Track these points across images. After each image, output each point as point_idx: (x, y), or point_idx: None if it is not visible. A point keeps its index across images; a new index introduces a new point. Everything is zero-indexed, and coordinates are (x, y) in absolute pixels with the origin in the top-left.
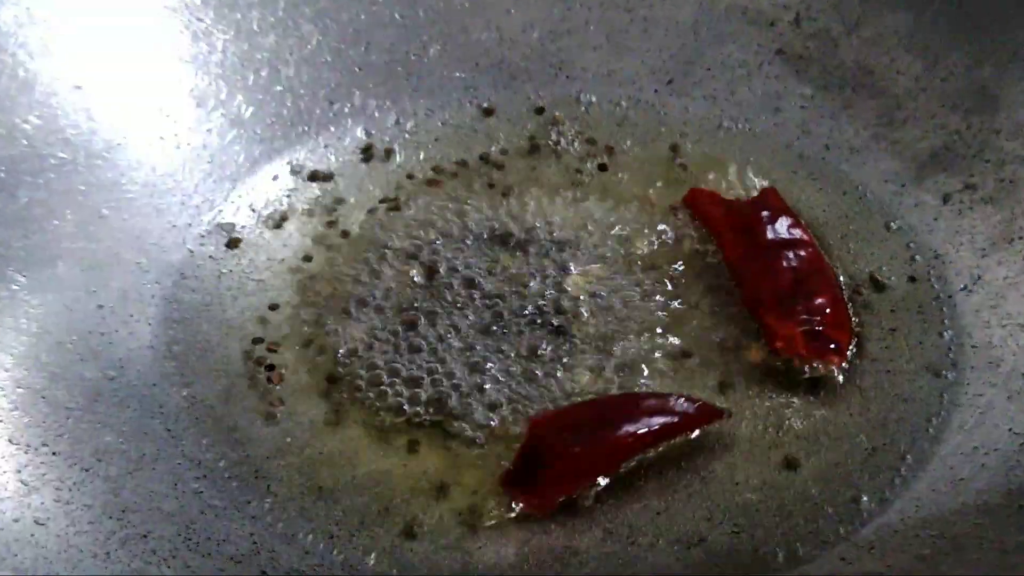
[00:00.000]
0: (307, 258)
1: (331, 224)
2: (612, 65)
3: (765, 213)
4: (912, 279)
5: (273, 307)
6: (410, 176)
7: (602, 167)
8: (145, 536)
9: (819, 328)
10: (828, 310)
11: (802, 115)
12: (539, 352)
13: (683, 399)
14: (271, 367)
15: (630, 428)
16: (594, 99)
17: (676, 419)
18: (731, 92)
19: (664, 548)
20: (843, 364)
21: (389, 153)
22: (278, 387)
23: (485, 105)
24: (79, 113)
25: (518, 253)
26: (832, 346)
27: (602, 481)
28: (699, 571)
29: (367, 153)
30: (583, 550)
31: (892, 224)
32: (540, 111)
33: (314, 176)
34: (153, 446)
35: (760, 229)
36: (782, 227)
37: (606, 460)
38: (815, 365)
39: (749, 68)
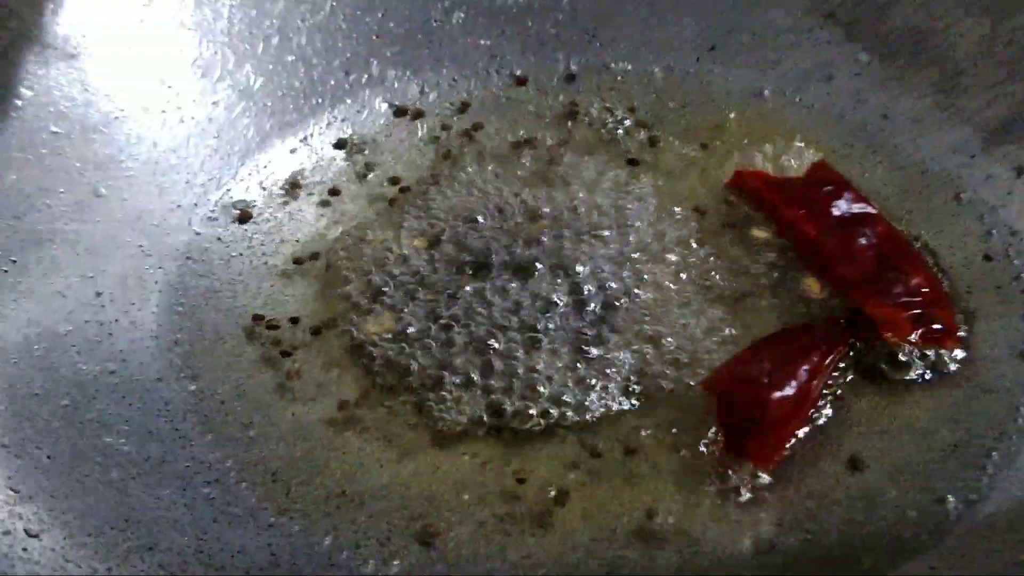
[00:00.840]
0: (324, 239)
1: (351, 202)
2: (649, 32)
3: (827, 188)
4: (988, 258)
5: (288, 293)
6: (442, 151)
7: (652, 141)
8: (151, 548)
9: (922, 311)
10: (925, 289)
11: (855, 84)
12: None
13: (818, 330)
14: (286, 353)
15: (804, 364)
16: (630, 67)
17: (825, 347)
18: (777, 60)
19: (731, 557)
20: (958, 347)
21: (416, 120)
22: (296, 381)
23: (518, 73)
24: (73, 84)
25: (555, 239)
26: (941, 328)
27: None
28: None
29: (391, 122)
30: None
31: (962, 198)
32: (571, 78)
33: (341, 144)
34: (158, 447)
35: (825, 207)
36: (847, 203)
37: (801, 402)
38: (928, 352)
39: (796, 34)
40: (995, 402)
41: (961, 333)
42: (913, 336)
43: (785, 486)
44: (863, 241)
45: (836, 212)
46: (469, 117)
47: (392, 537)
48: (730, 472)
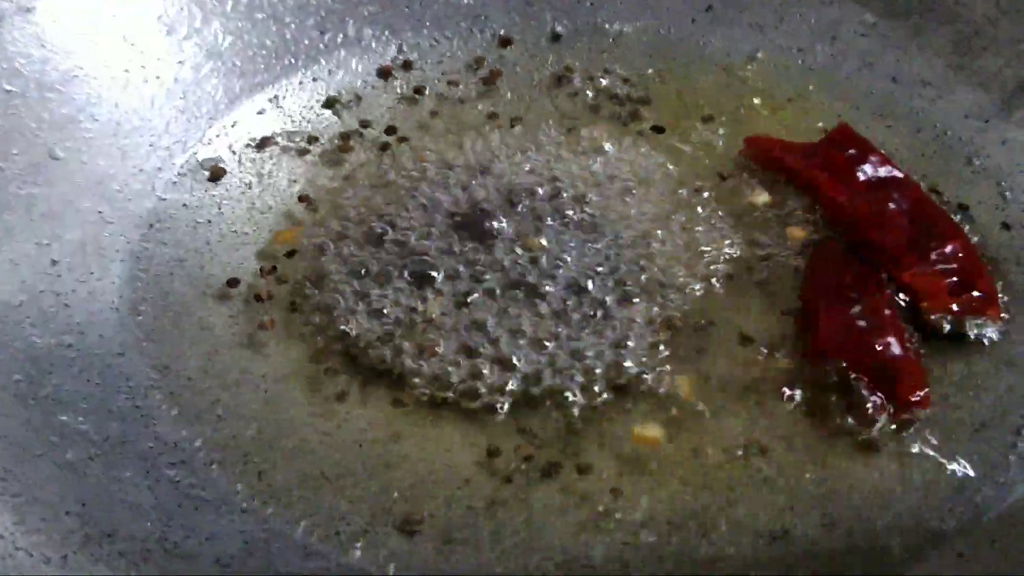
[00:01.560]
0: (299, 203)
1: (327, 165)
2: None
3: (851, 152)
4: (1006, 226)
5: (260, 263)
6: (423, 111)
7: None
8: (111, 535)
9: (960, 278)
10: (961, 255)
11: (863, 45)
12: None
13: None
14: (259, 298)
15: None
16: (625, 29)
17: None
18: (780, 19)
19: (743, 542)
20: (1000, 316)
21: (389, 78)
22: (270, 347)
23: (502, 33)
24: (29, 40)
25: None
26: (981, 296)
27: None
28: (790, 570)
29: (370, 81)
30: (644, 544)
31: (976, 164)
32: (557, 38)
33: (329, 103)
34: (119, 426)
35: (851, 171)
36: (873, 166)
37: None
38: (970, 322)
39: None
40: (1022, 379)
41: (1003, 299)
42: (954, 306)
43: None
44: (893, 206)
45: (862, 176)
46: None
47: (375, 524)
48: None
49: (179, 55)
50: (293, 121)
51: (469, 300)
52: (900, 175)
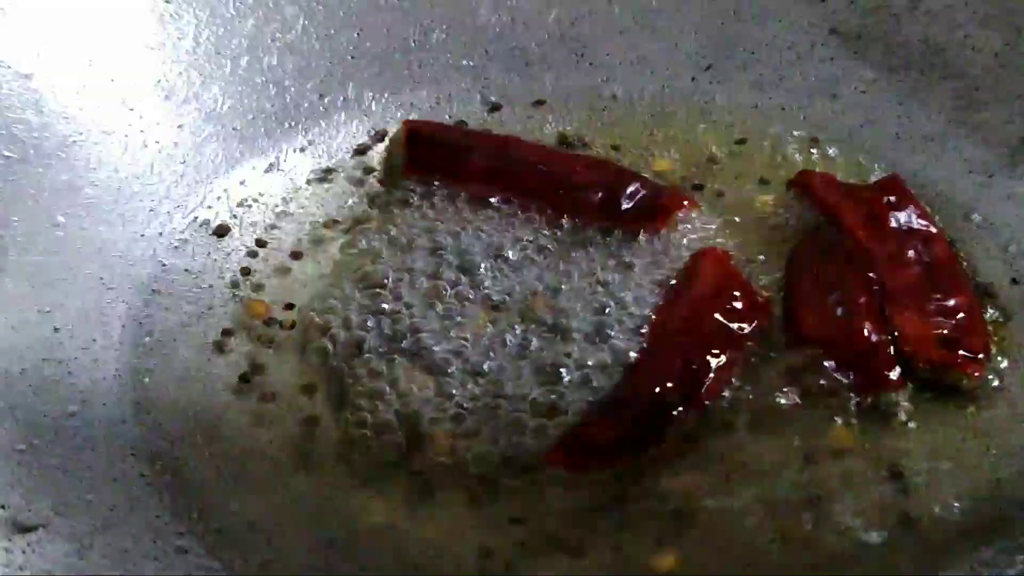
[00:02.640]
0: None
1: (328, 226)
2: (641, 50)
3: (890, 199)
4: (1015, 281)
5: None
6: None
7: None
8: None
9: (954, 333)
10: (962, 314)
11: (864, 101)
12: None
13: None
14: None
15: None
16: (621, 91)
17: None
18: (780, 78)
19: None
20: (980, 374)
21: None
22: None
23: (492, 99)
24: (28, 106)
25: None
26: (968, 355)
27: None
28: None
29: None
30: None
31: (980, 219)
32: (540, 103)
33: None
34: (125, 496)
35: (884, 216)
36: (909, 216)
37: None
38: (949, 374)
39: (799, 50)
40: None
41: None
42: (936, 357)
43: None
44: (912, 255)
45: (894, 223)
46: None
47: None
48: None
49: (178, 119)
50: (295, 187)
51: None
52: (933, 230)
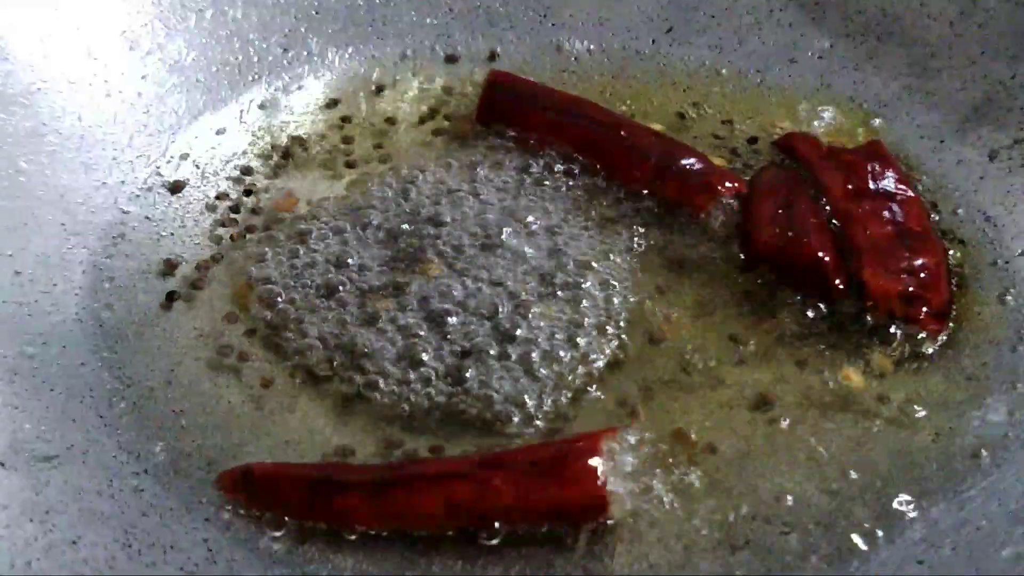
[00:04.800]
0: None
1: (284, 174)
2: (604, 12)
3: (873, 165)
4: (962, 242)
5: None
6: (389, 125)
7: None
8: (74, 542)
9: (917, 291)
10: (925, 273)
11: (820, 66)
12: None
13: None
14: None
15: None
16: (588, 46)
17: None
18: (739, 42)
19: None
20: (941, 333)
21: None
22: (232, 359)
23: (449, 52)
24: None
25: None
26: (929, 311)
27: None
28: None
29: (333, 103)
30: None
31: (929, 183)
32: (492, 57)
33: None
34: (82, 435)
35: (863, 177)
36: (889, 180)
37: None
38: (909, 331)
39: (758, 15)
40: (979, 389)
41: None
42: (897, 311)
43: None
44: (886, 214)
45: (872, 184)
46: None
47: None
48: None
49: (142, 70)
50: (256, 137)
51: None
52: (911, 194)
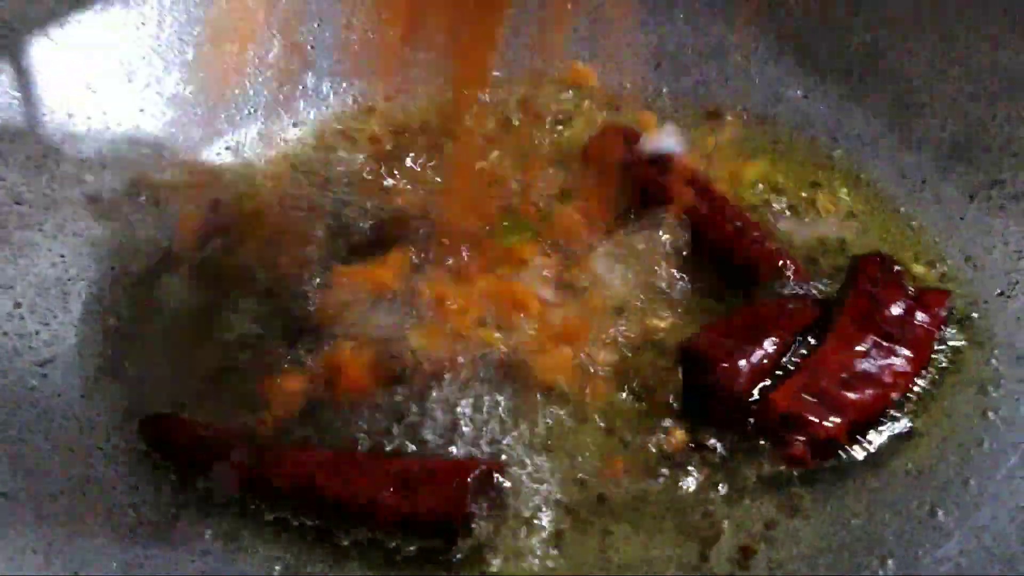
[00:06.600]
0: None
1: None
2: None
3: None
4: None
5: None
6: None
7: None
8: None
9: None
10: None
11: (804, 105)
12: None
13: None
14: None
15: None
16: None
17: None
18: (725, 79)
19: None
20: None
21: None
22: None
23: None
24: None
25: None
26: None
27: None
28: None
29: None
30: None
31: (912, 224)
32: None
33: None
34: (82, 467)
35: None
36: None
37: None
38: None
39: (743, 53)
40: (954, 428)
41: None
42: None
43: None
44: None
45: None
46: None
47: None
48: None
49: (139, 103)
50: (251, 172)
51: None
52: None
